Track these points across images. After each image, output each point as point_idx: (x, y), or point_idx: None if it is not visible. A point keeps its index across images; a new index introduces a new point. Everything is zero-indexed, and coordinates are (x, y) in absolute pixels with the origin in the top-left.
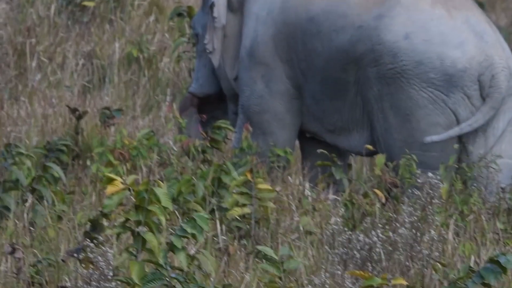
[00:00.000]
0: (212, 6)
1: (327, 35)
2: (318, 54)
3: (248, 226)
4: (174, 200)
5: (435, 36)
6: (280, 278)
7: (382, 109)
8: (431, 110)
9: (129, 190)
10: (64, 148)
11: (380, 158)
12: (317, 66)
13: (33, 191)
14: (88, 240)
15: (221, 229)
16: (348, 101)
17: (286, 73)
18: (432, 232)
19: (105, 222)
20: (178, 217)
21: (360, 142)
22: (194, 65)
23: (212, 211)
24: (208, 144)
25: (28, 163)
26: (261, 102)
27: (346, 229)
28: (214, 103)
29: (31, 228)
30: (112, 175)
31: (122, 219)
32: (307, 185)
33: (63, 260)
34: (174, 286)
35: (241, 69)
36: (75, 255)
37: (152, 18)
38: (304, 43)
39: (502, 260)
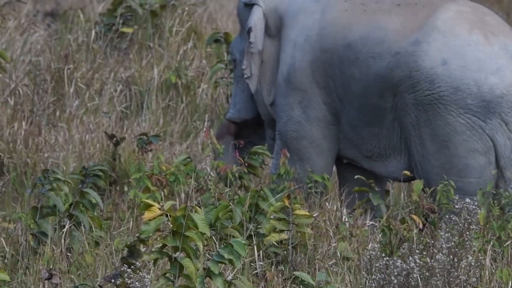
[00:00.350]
0: (249, 31)
1: (364, 62)
2: (355, 80)
3: (285, 252)
4: (212, 226)
5: (472, 62)
6: None
7: (419, 135)
8: (468, 136)
9: (167, 216)
10: (101, 174)
11: (417, 184)
12: (355, 93)
13: (70, 217)
14: (125, 265)
15: (259, 255)
16: (386, 127)
17: (323, 99)
18: (470, 258)
19: (142, 248)
20: (215, 243)
21: (397, 168)
22: (232, 90)
23: (249, 237)
24: (245, 170)
25: (66, 189)
26: (298, 128)
27: (383, 254)
28: (251, 128)
29: (69, 254)
30: (150, 201)
31: (159, 245)
32: (344, 211)
33: (100, 286)
34: None
35: (278, 95)
36: (113, 281)
37: (190, 44)
38: (342, 69)
39: None
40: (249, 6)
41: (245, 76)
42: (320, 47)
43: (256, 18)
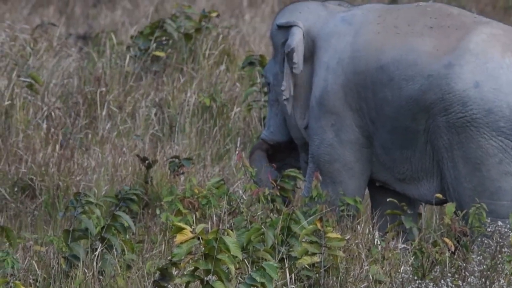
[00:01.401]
0: (291, 52)
1: (397, 84)
2: (388, 103)
3: (317, 275)
4: (244, 249)
5: (504, 85)
6: None
7: (452, 158)
8: (501, 159)
9: (198, 239)
10: (134, 197)
11: (450, 207)
12: (387, 115)
13: (102, 240)
14: None
15: (291, 278)
16: (418, 150)
17: (356, 122)
18: (502, 280)
19: (174, 271)
20: (247, 266)
21: (429, 191)
22: (265, 113)
23: (281, 260)
24: (278, 193)
25: (98, 212)
26: (331, 151)
27: (415, 277)
28: (285, 151)
29: (100, 277)
30: (182, 224)
31: (191, 268)
32: (376, 233)
33: None
34: None
35: (311, 118)
36: None
37: (223, 67)
38: (374, 92)
39: None
40: (284, 28)
41: (284, 97)
42: (353, 69)
43: (298, 39)
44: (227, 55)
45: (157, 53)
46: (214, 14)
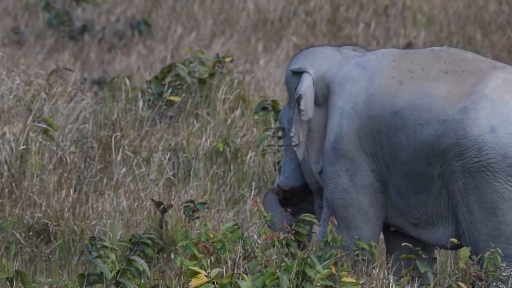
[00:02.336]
0: (299, 98)
1: (412, 129)
2: (402, 148)
3: None
4: None
5: None
6: None
7: (467, 202)
8: None
9: (213, 283)
10: (148, 241)
11: (464, 251)
12: (402, 160)
13: (117, 284)
14: None
15: None
16: (433, 194)
17: (371, 167)
18: None
19: None
20: None
21: (444, 236)
22: (280, 158)
23: None
24: (293, 237)
25: (113, 256)
26: (346, 196)
27: None
28: (300, 196)
29: None
30: (197, 269)
31: None
32: (391, 278)
33: None
34: None
35: (326, 163)
36: None
37: (237, 112)
38: (389, 136)
39: None
40: (297, 74)
41: (293, 143)
42: (367, 114)
43: (306, 86)
44: (242, 100)
45: (172, 97)
46: (228, 59)
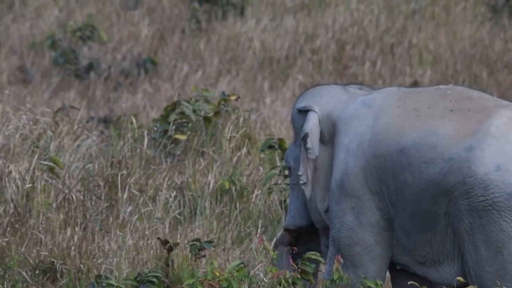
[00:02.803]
0: (305, 137)
1: (417, 167)
2: (408, 186)
3: None
4: None
5: None
6: None
7: (473, 241)
8: None
9: None
10: (154, 279)
11: None
12: (407, 198)
13: None
14: None
15: None
16: (439, 233)
17: (376, 205)
18: None
19: None
20: None
21: (450, 274)
22: (286, 196)
23: None
24: (299, 276)
25: None
26: (351, 235)
27: None
28: (307, 235)
29: None
30: None
31: None
32: None
33: None
34: None
35: (332, 201)
36: None
37: (244, 150)
38: (395, 175)
39: None
40: (303, 112)
41: (301, 182)
42: (373, 152)
43: (312, 124)
44: (248, 138)
45: (178, 136)
46: (233, 98)
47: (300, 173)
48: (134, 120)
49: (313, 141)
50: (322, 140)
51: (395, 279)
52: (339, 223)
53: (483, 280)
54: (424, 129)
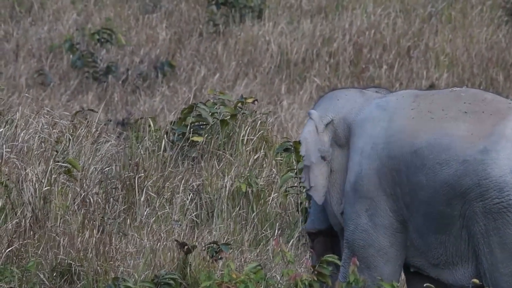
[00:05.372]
0: (300, 144)
1: (431, 169)
2: (422, 187)
3: None
4: None
5: None
6: None
7: (488, 243)
8: None
9: None
10: (172, 282)
11: None
12: (421, 200)
13: None
14: None
15: None
16: (453, 235)
17: (390, 207)
18: None
19: None
20: None
21: (465, 276)
22: (302, 199)
23: None
24: (315, 278)
25: None
26: (366, 237)
27: None
28: (326, 238)
29: None
30: None
31: None
32: None
33: None
34: None
35: (346, 204)
36: None
37: (261, 153)
38: (408, 176)
39: None
40: None
41: (305, 189)
42: (387, 154)
43: (307, 131)
44: (265, 141)
45: (195, 138)
46: (250, 100)
47: (302, 179)
48: (151, 123)
49: (307, 148)
50: (338, 144)
51: (410, 281)
52: (353, 225)
53: (498, 282)
54: (438, 131)
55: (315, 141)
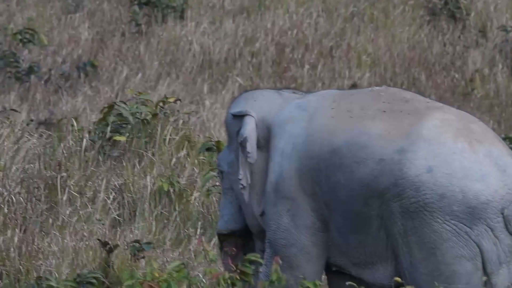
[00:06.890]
0: (244, 141)
1: (349, 167)
2: (340, 186)
3: None
4: None
5: (457, 170)
6: None
7: (407, 243)
8: (455, 243)
9: None
10: (94, 280)
11: None
12: (340, 199)
13: None
14: None
15: None
16: (371, 235)
17: (311, 207)
18: None
19: None
20: None
21: (384, 276)
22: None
23: None
24: (238, 277)
25: None
26: (288, 236)
27: None
28: (239, 239)
29: None
30: None
31: None
32: None
33: None
34: None
35: (267, 204)
36: None
37: (183, 152)
38: (328, 176)
39: None
40: (239, 117)
41: (241, 186)
42: (307, 154)
43: (250, 128)
44: (187, 140)
45: (117, 137)
46: (171, 100)
47: (240, 177)
48: (74, 123)
49: (251, 145)
50: (257, 145)
51: (332, 280)
52: (275, 225)
53: (418, 281)
54: (356, 129)
55: (255, 139)
